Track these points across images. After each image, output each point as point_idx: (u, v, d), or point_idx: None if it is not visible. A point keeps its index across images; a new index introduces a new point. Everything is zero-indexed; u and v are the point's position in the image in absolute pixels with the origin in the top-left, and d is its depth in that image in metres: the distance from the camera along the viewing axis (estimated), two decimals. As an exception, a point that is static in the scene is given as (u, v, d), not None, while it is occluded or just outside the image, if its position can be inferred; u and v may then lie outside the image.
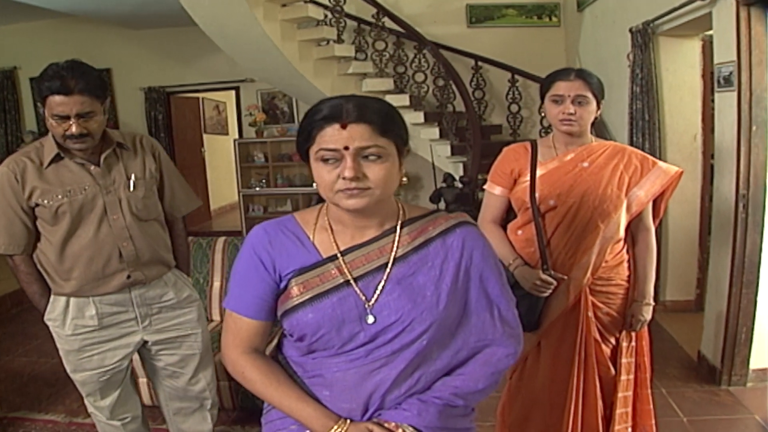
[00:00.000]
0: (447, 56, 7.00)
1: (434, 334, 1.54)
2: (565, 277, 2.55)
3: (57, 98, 2.32)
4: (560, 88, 2.50)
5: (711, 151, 4.96)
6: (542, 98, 2.60)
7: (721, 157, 4.03)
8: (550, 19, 7.84)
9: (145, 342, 2.76)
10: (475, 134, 6.23)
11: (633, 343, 2.70)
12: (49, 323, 2.67)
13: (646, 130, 5.01)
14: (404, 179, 1.78)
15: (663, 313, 5.10)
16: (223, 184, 12.11)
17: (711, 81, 4.73)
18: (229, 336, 1.66)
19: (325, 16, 6.71)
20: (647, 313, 2.63)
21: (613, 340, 2.69)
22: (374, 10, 6.82)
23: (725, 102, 3.89)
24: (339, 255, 1.58)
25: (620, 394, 2.68)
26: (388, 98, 6.00)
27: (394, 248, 1.58)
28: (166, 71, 9.38)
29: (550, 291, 2.56)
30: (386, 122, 1.47)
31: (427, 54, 6.99)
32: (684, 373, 4.21)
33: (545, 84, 2.58)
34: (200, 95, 10.77)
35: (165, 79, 9.42)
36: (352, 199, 1.46)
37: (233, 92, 9.57)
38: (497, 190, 2.71)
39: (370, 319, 1.53)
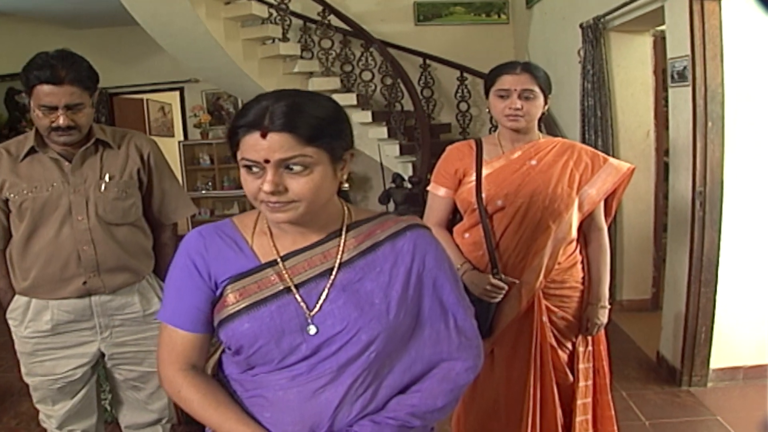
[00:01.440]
0: (395, 54, 6.97)
1: (384, 346, 1.41)
2: (517, 281, 2.48)
3: (46, 88, 2.25)
4: (506, 82, 2.42)
5: (664, 148, 4.99)
6: (487, 93, 2.52)
7: (677, 153, 4.02)
8: (499, 16, 7.82)
9: (103, 354, 2.63)
10: (424, 133, 6.19)
11: (590, 348, 2.65)
12: (9, 321, 2.59)
13: (599, 127, 5.00)
14: (345, 185, 1.69)
15: (619, 312, 5.07)
16: (170, 187, 11.84)
17: (663, 77, 4.79)
18: (164, 351, 1.51)
19: (270, 14, 6.58)
20: (603, 317, 2.57)
21: (569, 345, 2.62)
22: (320, 8, 6.76)
23: (680, 97, 3.87)
24: (279, 260, 1.46)
25: (579, 402, 2.61)
26: (335, 98, 5.95)
27: (340, 252, 1.46)
28: (108, 72, 8.91)
29: (501, 296, 2.47)
30: (317, 129, 1.33)
31: (375, 52, 6.95)
32: (643, 375, 4.20)
33: (490, 78, 2.50)
34: (144, 96, 10.59)
35: (107, 80, 8.95)
36: (274, 213, 1.37)
37: (177, 93, 9.41)
38: (441, 191, 2.63)
39: (312, 330, 1.40)
